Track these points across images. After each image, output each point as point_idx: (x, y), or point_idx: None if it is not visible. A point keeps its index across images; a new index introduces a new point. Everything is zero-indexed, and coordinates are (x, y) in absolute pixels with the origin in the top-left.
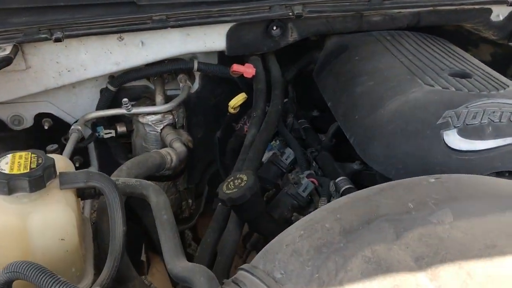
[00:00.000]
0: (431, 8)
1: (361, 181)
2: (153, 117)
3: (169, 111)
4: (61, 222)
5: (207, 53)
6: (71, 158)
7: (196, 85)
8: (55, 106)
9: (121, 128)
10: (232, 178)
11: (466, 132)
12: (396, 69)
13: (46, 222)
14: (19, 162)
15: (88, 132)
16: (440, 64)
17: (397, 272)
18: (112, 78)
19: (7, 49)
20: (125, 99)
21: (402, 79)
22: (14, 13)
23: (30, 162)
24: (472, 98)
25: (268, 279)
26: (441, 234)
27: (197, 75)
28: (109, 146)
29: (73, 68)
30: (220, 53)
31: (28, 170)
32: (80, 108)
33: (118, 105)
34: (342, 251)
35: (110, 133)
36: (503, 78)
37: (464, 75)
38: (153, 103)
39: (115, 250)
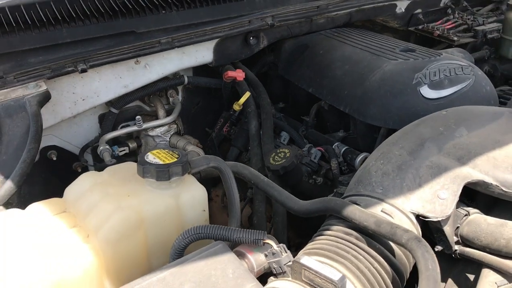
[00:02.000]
0: (357, 8)
1: (347, 144)
2: (162, 128)
3: (173, 122)
4: (202, 196)
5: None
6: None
7: (179, 98)
8: (58, 138)
9: (133, 144)
10: (274, 154)
11: (433, 86)
12: (360, 54)
13: (193, 198)
14: (162, 155)
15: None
16: (387, 45)
17: (451, 169)
18: (111, 103)
19: (43, 85)
20: (138, 116)
21: (370, 59)
22: (29, 54)
23: (170, 154)
24: (428, 63)
25: (374, 194)
26: (465, 142)
27: (180, 88)
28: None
29: (87, 96)
30: (195, 68)
31: (175, 160)
32: (80, 136)
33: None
34: (413, 166)
35: (124, 150)
36: (431, 50)
37: (410, 50)
38: (152, 119)
39: (237, 213)
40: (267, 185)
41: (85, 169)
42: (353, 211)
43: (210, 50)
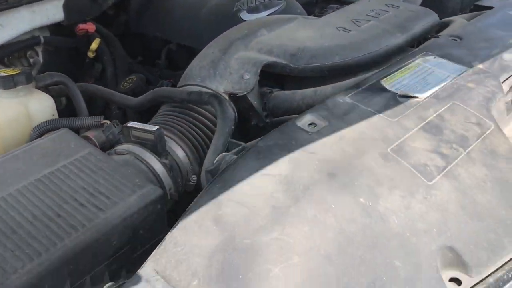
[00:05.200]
0: None
1: None
2: None
3: None
4: (50, 103)
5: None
6: None
7: (40, 59)
8: None
9: None
10: (123, 82)
11: (250, 10)
12: None
13: (42, 106)
14: (8, 72)
15: None
16: None
17: (253, 58)
18: None
19: None
20: None
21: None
22: None
23: (15, 71)
24: None
25: (194, 82)
26: (265, 39)
27: (39, 51)
28: None
29: None
30: (52, 30)
31: (18, 72)
32: None
33: None
34: (224, 59)
35: None
36: None
37: None
38: None
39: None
40: (108, 92)
41: None
42: (173, 91)
43: (59, 8)
